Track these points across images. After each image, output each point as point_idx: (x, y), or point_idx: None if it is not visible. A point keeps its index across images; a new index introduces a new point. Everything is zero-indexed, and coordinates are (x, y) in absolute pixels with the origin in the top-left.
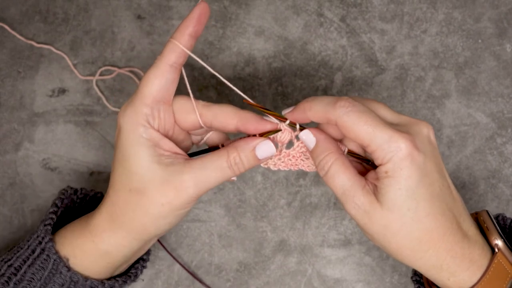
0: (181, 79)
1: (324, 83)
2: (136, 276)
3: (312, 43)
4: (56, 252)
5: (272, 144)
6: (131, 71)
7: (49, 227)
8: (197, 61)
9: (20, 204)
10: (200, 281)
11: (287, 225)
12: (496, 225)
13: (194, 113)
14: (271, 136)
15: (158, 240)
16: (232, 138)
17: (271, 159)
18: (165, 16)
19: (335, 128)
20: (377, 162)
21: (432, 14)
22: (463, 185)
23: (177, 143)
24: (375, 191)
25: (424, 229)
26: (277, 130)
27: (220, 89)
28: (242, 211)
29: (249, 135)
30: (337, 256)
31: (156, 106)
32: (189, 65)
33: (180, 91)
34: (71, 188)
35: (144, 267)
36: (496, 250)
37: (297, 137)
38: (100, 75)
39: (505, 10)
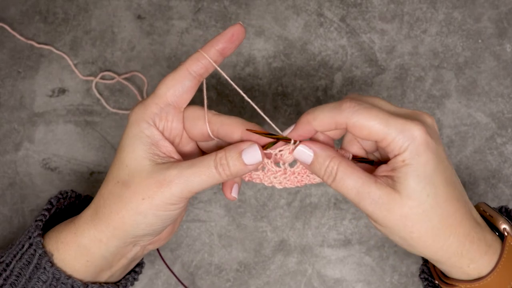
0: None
1: (324, 83)
2: (125, 287)
3: (312, 43)
4: (43, 247)
5: (259, 152)
6: (130, 78)
7: (39, 223)
8: None
9: (20, 204)
10: None
11: (287, 225)
12: (498, 212)
13: (202, 120)
14: (277, 155)
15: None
16: None
17: (261, 170)
18: (165, 16)
19: (325, 137)
20: (392, 154)
21: (432, 14)
22: (463, 185)
23: (184, 155)
24: (391, 183)
25: (444, 215)
26: (273, 142)
27: (220, 89)
28: (242, 211)
29: None
30: (337, 256)
31: (166, 108)
32: None
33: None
34: (73, 191)
35: (135, 279)
36: (506, 234)
37: None
38: (102, 78)
39: (505, 10)
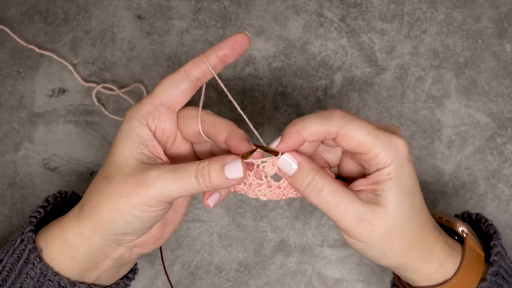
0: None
1: (324, 83)
2: None
3: (312, 43)
4: (33, 242)
5: (241, 167)
6: (131, 90)
7: (33, 219)
8: None
9: (20, 204)
10: None
11: (287, 225)
12: (456, 215)
13: (196, 119)
14: (259, 166)
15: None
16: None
17: (243, 184)
18: (165, 16)
19: (308, 146)
20: (375, 167)
21: (432, 14)
22: (463, 185)
23: (177, 157)
24: (372, 197)
25: (420, 224)
26: (252, 151)
27: (220, 89)
28: (242, 211)
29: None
30: (337, 256)
31: (160, 107)
32: None
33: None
34: (74, 193)
35: (127, 285)
36: (464, 235)
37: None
38: (103, 88)
39: (505, 10)
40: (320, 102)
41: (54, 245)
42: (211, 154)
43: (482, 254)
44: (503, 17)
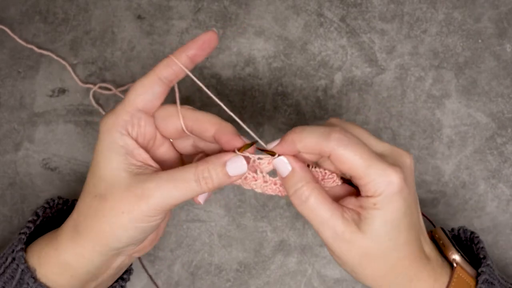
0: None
1: (324, 83)
2: None
3: (312, 43)
4: (25, 262)
5: (244, 162)
6: (127, 88)
7: (23, 236)
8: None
9: (20, 204)
10: None
11: (287, 225)
12: (452, 240)
13: (176, 116)
14: (255, 162)
15: (139, 258)
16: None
17: (244, 179)
18: (165, 16)
19: (310, 155)
20: (365, 193)
21: (432, 14)
22: (463, 185)
23: (159, 156)
24: (356, 219)
25: (399, 257)
26: (249, 145)
27: (220, 89)
28: (242, 211)
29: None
30: None
31: (137, 114)
32: None
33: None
34: (60, 198)
35: (122, 286)
36: (455, 264)
37: None
38: (100, 88)
39: (505, 10)
40: (320, 102)
41: (50, 268)
42: (194, 148)
43: (473, 283)
44: (503, 17)
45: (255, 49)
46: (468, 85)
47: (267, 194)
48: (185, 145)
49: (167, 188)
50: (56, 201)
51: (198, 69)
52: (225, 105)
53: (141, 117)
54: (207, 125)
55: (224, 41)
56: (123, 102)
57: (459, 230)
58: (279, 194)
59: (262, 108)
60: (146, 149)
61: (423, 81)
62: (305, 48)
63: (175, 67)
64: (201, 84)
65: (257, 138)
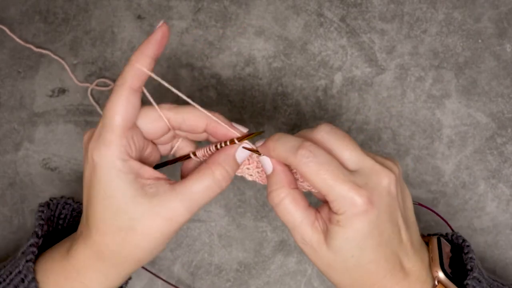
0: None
1: (324, 83)
2: None
3: (312, 43)
4: (37, 283)
5: (247, 151)
6: None
7: (30, 264)
8: (197, 61)
9: (20, 204)
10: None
11: None
12: (441, 255)
13: (161, 121)
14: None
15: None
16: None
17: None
18: (165, 16)
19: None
20: (332, 209)
21: (432, 14)
22: (463, 185)
23: (145, 158)
24: (326, 230)
25: (365, 273)
26: (258, 133)
27: (220, 89)
28: (242, 211)
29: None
30: None
31: (129, 133)
32: (189, 65)
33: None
34: (53, 199)
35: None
36: (436, 282)
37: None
38: (97, 85)
39: (505, 10)
40: (320, 102)
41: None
42: (175, 137)
43: None
44: (503, 17)
45: (255, 49)
46: (468, 85)
47: (266, 195)
48: (166, 137)
49: (191, 200)
50: (50, 206)
51: (198, 69)
52: (225, 105)
53: (132, 134)
54: (197, 122)
55: (224, 41)
56: (109, 126)
57: (452, 235)
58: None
59: (262, 108)
60: (141, 160)
61: (423, 81)
62: (305, 48)
63: (142, 73)
64: (167, 85)
65: (240, 129)
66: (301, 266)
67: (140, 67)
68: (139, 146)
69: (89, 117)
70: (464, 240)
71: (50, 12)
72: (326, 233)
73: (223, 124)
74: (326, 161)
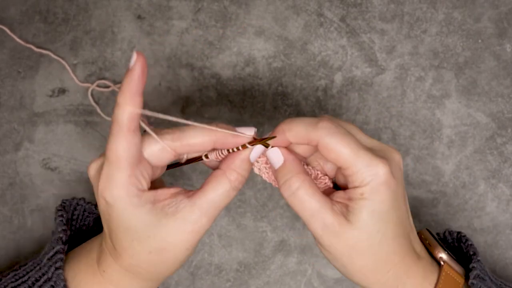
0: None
1: (324, 83)
2: None
3: (312, 43)
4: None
5: (259, 150)
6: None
7: (61, 271)
8: (197, 61)
9: (20, 204)
10: None
11: (287, 225)
12: (438, 240)
13: (167, 151)
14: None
15: None
16: None
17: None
18: (165, 16)
19: (303, 149)
20: (352, 184)
21: (432, 14)
22: (463, 185)
23: (155, 172)
24: (345, 211)
25: (389, 252)
26: (272, 137)
27: (220, 89)
28: (242, 211)
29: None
30: None
31: (137, 170)
32: (189, 65)
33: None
34: (65, 201)
35: None
36: (442, 263)
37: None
38: (98, 86)
39: (505, 10)
40: (320, 102)
41: None
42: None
43: (461, 280)
44: (503, 17)
45: (255, 49)
46: (468, 85)
47: (266, 195)
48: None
49: (211, 209)
50: (68, 206)
51: (198, 69)
52: (225, 105)
53: (141, 168)
54: (204, 147)
55: (224, 41)
56: (116, 167)
57: (444, 233)
58: (273, 183)
59: (262, 108)
60: (152, 179)
61: (423, 81)
62: (305, 48)
63: (134, 115)
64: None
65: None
66: (301, 266)
67: (133, 110)
68: (149, 175)
69: (89, 117)
70: (459, 232)
71: (50, 12)
72: (347, 214)
73: (231, 132)
74: (346, 132)
